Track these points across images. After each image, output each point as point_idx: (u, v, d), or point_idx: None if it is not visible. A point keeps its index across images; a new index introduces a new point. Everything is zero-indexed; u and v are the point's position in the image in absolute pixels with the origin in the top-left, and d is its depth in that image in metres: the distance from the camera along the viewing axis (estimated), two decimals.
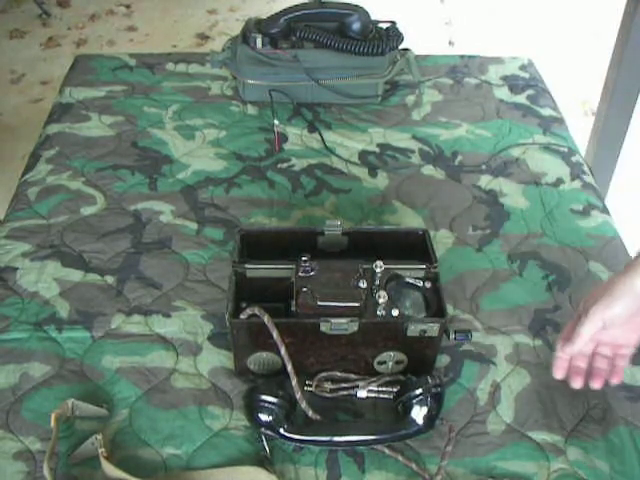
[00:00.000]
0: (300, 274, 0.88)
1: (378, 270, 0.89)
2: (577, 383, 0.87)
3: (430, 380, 0.86)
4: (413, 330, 0.87)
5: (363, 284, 0.87)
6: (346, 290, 0.87)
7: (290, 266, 0.90)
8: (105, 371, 0.94)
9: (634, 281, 0.82)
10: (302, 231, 1.02)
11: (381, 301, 0.87)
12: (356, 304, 0.86)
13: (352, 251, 0.97)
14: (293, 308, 0.88)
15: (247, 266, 0.93)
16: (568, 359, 0.88)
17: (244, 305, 0.89)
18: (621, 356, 0.88)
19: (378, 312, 0.87)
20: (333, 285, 0.87)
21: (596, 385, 0.87)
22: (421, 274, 0.93)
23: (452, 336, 0.90)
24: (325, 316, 0.86)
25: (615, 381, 0.88)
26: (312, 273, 0.88)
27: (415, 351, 0.90)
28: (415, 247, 0.96)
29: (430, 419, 0.85)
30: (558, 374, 0.88)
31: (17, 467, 0.82)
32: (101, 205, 1.19)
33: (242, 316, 0.86)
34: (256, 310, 0.85)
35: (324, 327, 0.86)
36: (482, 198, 1.23)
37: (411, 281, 0.92)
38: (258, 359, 0.90)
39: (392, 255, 0.92)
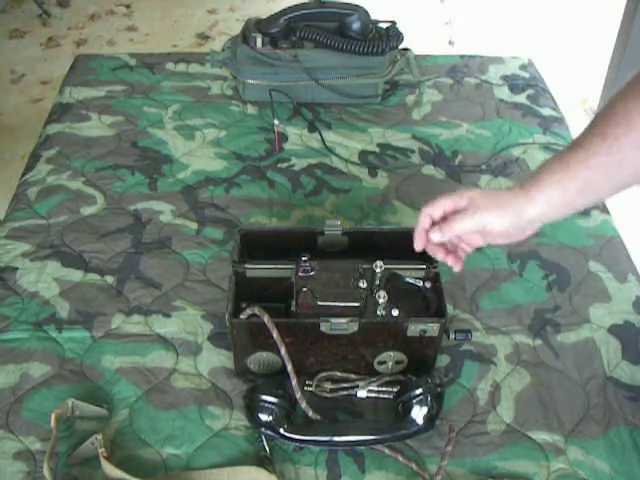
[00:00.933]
0: (300, 274, 0.88)
1: (378, 270, 0.89)
2: (438, 254, 0.87)
3: (430, 380, 0.86)
4: (413, 330, 0.87)
5: (363, 284, 0.87)
6: (346, 290, 0.87)
7: (290, 266, 0.90)
8: (105, 371, 0.94)
9: (531, 203, 0.79)
10: (302, 231, 1.02)
11: (381, 301, 0.87)
12: (356, 304, 0.86)
13: (352, 251, 0.97)
14: (293, 308, 0.88)
15: (247, 266, 0.93)
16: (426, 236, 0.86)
17: (244, 305, 0.89)
18: (463, 249, 0.88)
19: (378, 312, 0.87)
20: (333, 285, 0.87)
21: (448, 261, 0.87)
22: (421, 274, 0.93)
23: (452, 336, 0.90)
24: (325, 316, 0.86)
25: (458, 268, 0.87)
26: (312, 273, 0.88)
27: (415, 351, 0.90)
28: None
29: (430, 419, 0.85)
30: (419, 247, 0.86)
31: (17, 467, 0.83)
32: (101, 205, 1.19)
33: (242, 316, 0.86)
34: (256, 310, 0.85)
35: (324, 327, 0.86)
36: None
37: (411, 281, 0.92)
38: (258, 359, 0.90)
39: (392, 255, 0.92)
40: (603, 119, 0.78)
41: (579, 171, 0.77)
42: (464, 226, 0.82)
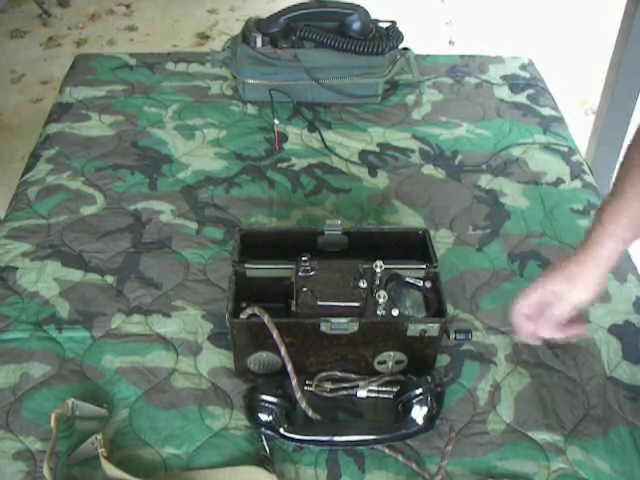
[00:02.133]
0: (300, 274, 0.88)
1: (378, 270, 0.89)
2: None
3: (430, 380, 0.86)
4: (413, 330, 0.87)
5: (363, 284, 0.87)
6: (346, 290, 0.87)
7: (290, 266, 0.90)
8: (105, 371, 0.93)
9: (603, 252, 0.86)
10: (302, 231, 1.02)
11: (381, 301, 0.87)
12: (356, 304, 0.86)
13: (352, 251, 0.97)
14: (293, 308, 0.88)
15: (247, 266, 0.93)
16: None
17: (244, 305, 0.89)
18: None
19: (378, 312, 0.87)
20: (333, 285, 0.87)
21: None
22: (421, 274, 0.93)
23: (452, 336, 0.90)
24: (325, 316, 0.86)
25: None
26: (312, 273, 0.88)
27: (415, 351, 0.90)
28: (415, 247, 0.96)
29: (430, 419, 0.84)
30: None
31: (17, 467, 0.82)
32: (101, 205, 1.19)
33: (242, 316, 0.86)
34: (256, 310, 0.85)
35: (324, 327, 0.86)
36: (482, 198, 1.23)
37: (411, 281, 0.92)
38: (258, 359, 0.90)
39: (392, 255, 0.92)
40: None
41: (632, 207, 0.83)
42: (559, 311, 0.86)
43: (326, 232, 0.97)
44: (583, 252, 0.85)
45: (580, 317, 0.89)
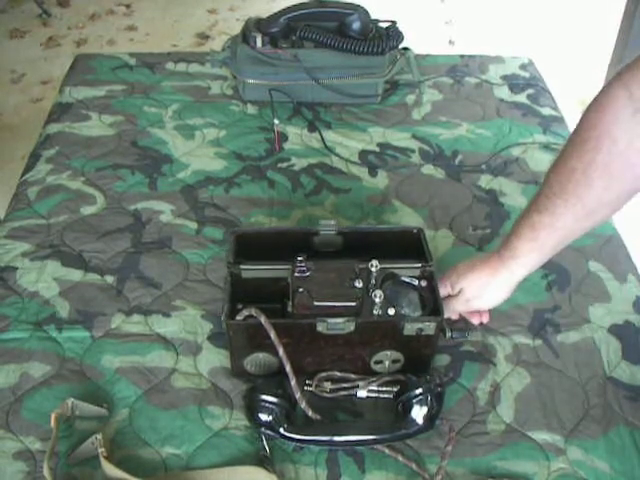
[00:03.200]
0: (296, 274, 0.88)
1: (374, 269, 0.89)
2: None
3: (430, 380, 0.86)
4: (410, 329, 0.87)
5: (359, 284, 0.87)
6: (342, 290, 0.87)
7: (286, 267, 0.90)
8: (105, 371, 0.93)
9: (508, 278, 0.90)
10: (297, 231, 1.02)
11: (377, 300, 0.87)
12: (352, 304, 0.86)
13: (348, 251, 0.97)
14: (289, 308, 0.88)
15: (242, 267, 0.93)
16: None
17: (240, 306, 0.88)
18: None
19: (374, 311, 0.87)
20: (329, 285, 0.87)
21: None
22: (417, 273, 0.93)
23: (449, 334, 0.90)
24: (322, 316, 0.86)
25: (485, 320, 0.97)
26: (308, 273, 0.88)
27: (412, 350, 0.90)
28: (410, 246, 0.96)
29: (430, 419, 0.85)
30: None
31: (17, 467, 0.82)
32: (101, 205, 1.19)
33: (238, 317, 0.86)
34: (253, 311, 0.85)
35: (321, 327, 0.86)
36: (482, 198, 1.23)
37: (407, 280, 0.92)
38: (255, 360, 0.90)
39: (387, 254, 0.92)
40: (561, 178, 0.80)
41: (549, 235, 0.84)
42: (460, 310, 0.96)
43: (321, 232, 0.97)
44: (503, 262, 0.89)
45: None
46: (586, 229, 0.84)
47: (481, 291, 0.92)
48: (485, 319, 0.97)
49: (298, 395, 0.85)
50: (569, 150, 0.80)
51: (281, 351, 0.85)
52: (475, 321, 0.97)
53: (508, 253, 0.88)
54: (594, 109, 0.78)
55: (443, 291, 0.94)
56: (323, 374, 0.92)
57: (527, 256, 0.87)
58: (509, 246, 0.88)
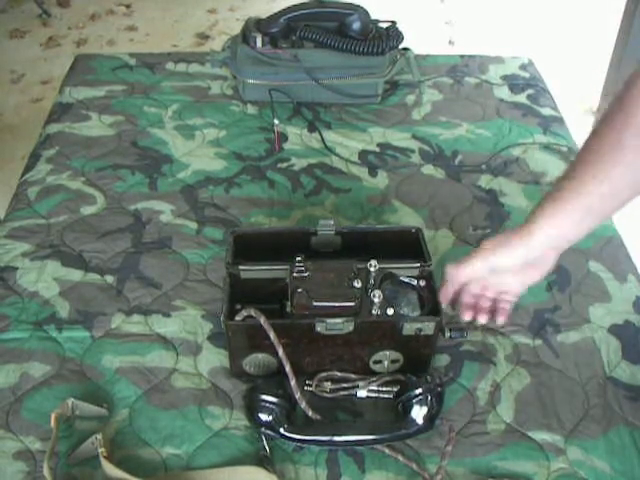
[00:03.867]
0: (295, 275, 0.88)
1: (372, 269, 0.89)
2: (465, 315, 0.90)
3: (430, 380, 0.86)
4: (409, 329, 0.87)
5: (358, 284, 0.87)
6: (341, 290, 0.87)
7: (284, 267, 0.90)
8: (105, 371, 0.93)
9: (532, 237, 0.83)
10: (295, 231, 1.02)
11: (376, 300, 0.87)
12: (351, 304, 0.86)
13: (346, 251, 0.97)
14: (288, 309, 0.88)
15: (241, 267, 0.93)
16: (452, 290, 0.89)
17: (239, 307, 0.88)
18: (505, 301, 0.90)
19: (373, 311, 0.87)
20: (328, 285, 0.87)
21: (481, 320, 0.90)
22: (415, 272, 0.93)
23: (448, 334, 0.90)
24: (320, 316, 0.86)
25: (500, 320, 0.90)
26: (307, 274, 0.88)
27: (411, 350, 0.90)
28: (409, 246, 0.96)
29: (430, 419, 0.85)
30: (443, 301, 0.90)
31: (17, 467, 0.82)
32: (101, 205, 1.19)
33: (237, 318, 0.86)
34: (252, 312, 0.85)
35: (320, 327, 0.86)
36: (482, 198, 1.23)
37: (406, 280, 0.92)
38: (254, 360, 0.90)
39: (386, 254, 0.92)
40: (593, 152, 0.79)
41: (574, 209, 0.80)
42: (474, 268, 0.86)
43: (319, 232, 0.97)
44: (526, 225, 0.83)
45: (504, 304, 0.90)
46: (606, 211, 0.82)
47: (497, 245, 0.84)
48: (503, 317, 0.90)
49: (298, 395, 0.85)
50: (605, 124, 0.79)
51: (280, 351, 0.85)
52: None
53: (529, 220, 0.83)
54: (617, 112, 0.78)
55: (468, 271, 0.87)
56: (323, 374, 0.92)
57: (545, 227, 0.82)
58: (533, 214, 0.84)
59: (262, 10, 1.80)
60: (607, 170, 0.77)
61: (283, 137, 1.36)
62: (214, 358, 0.95)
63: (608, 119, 0.78)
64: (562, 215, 0.81)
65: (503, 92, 1.50)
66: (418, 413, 0.84)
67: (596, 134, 0.79)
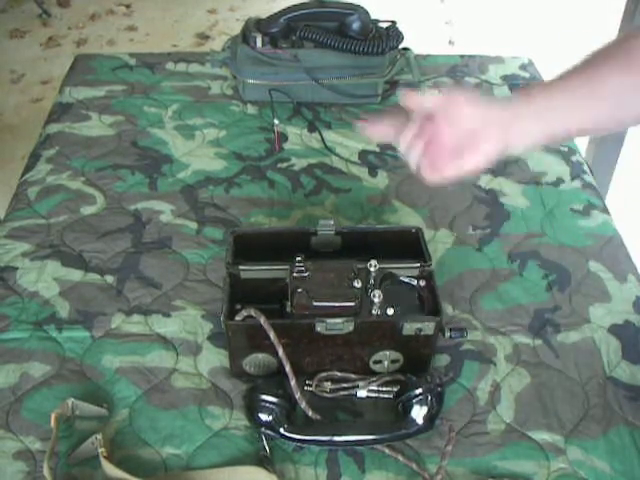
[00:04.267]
0: (295, 275, 0.88)
1: (372, 269, 0.89)
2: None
3: (430, 380, 0.86)
4: (409, 329, 0.87)
5: (358, 284, 0.87)
6: (341, 290, 0.87)
7: (284, 267, 0.90)
8: (105, 371, 0.93)
9: (544, 114, 0.77)
10: (295, 231, 1.02)
11: (376, 300, 0.87)
12: (351, 304, 0.86)
13: (346, 251, 0.97)
14: (288, 309, 0.88)
15: (241, 267, 0.93)
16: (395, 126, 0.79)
17: (239, 307, 0.88)
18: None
19: (373, 311, 0.87)
20: (328, 285, 0.87)
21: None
22: (415, 272, 0.93)
23: (447, 334, 0.90)
24: (320, 316, 0.86)
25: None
26: (307, 274, 0.88)
27: (411, 350, 0.90)
28: (409, 246, 0.96)
29: (430, 419, 0.85)
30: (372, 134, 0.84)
31: (17, 467, 0.82)
32: (101, 205, 1.19)
33: (237, 318, 0.86)
34: (252, 312, 0.85)
35: (320, 327, 0.86)
36: (482, 198, 1.23)
37: (406, 280, 0.92)
38: (254, 360, 0.90)
39: (386, 254, 0.92)
40: (602, 49, 0.81)
41: (584, 94, 0.78)
42: (433, 99, 0.77)
43: (319, 232, 0.97)
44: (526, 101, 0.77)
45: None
46: (615, 118, 0.78)
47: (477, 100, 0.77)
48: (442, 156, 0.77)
49: (298, 395, 0.85)
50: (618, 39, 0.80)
51: (280, 351, 0.85)
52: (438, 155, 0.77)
53: (524, 99, 0.77)
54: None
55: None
56: (323, 374, 0.92)
57: (543, 114, 0.76)
58: (522, 91, 0.78)
59: (262, 10, 1.80)
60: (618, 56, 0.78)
61: (283, 137, 1.35)
62: (214, 358, 0.95)
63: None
64: (571, 101, 0.77)
65: (503, 92, 1.50)
66: (418, 413, 0.84)
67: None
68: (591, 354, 0.97)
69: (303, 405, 0.85)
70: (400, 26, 1.44)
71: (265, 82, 1.40)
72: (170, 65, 1.55)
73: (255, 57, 1.38)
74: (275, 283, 0.92)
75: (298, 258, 0.89)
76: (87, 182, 1.24)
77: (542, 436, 0.88)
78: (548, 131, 0.78)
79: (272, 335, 0.84)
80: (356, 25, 1.38)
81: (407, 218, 1.18)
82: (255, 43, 1.38)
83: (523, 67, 1.58)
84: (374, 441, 0.85)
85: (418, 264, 0.93)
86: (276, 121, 1.37)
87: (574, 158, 1.32)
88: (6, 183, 1.62)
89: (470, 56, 1.61)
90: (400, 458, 0.84)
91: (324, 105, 1.43)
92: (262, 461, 0.82)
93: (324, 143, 1.34)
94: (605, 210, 1.21)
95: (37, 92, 2.72)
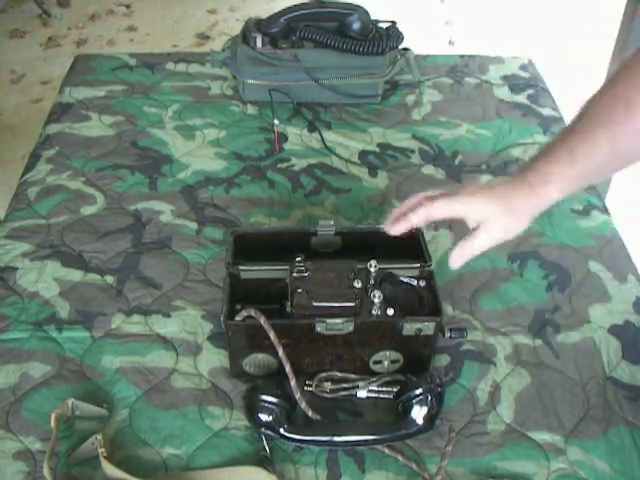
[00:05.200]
0: (295, 275, 0.88)
1: (372, 269, 0.89)
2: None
3: (430, 380, 0.86)
4: (409, 329, 0.87)
5: (358, 284, 0.87)
6: (341, 290, 0.87)
7: (284, 267, 0.90)
8: (105, 371, 0.94)
9: (542, 204, 0.81)
10: (295, 232, 1.02)
11: (376, 300, 0.87)
12: (351, 304, 0.86)
13: (346, 251, 0.97)
14: (288, 309, 0.88)
15: (241, 268, 0.93)
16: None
17: (239, 307, 0.88)
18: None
19: (373, 312, 0.87)
20: (328, 285, 0.87)
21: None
22: (415, 273, 0.93)
23: (447, 334, 0.90)
24: (320, 316, 0.86)
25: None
26: (307, 274, 0.88)
27: (411, 350, 0.90)
28: (409, 246, 0.96)
29: (430, 419, 0.85)
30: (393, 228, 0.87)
31: (17, 467, 0.82)
32: (101, 205, 1.19)
33: (237, 318, 0.86)
34: (252, 312, 0.85)
35: (320, 327, 0.86)
36: None
37: (405, 280, 0.92)
38: (254, 360, 0.90)
39: (386, 254, 0.92)
40: (605, 104, 0.78)
41: (586, 165, 0.78)
42: (453, 209, 0.85)
43: (319, 232, 0.97)
44: (529, 188, 0.81)
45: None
46: (616, 170, 0.81)
47: (499, 217, 0.82)
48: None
49: (298, 395, 0.85)
50: (616, 78, 0.78)
51: (280, 351, 0.85)
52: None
53: (540, 178, 0.80)
54: None
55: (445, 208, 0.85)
56: (323, 374, 0.92)
57: (563, 181, 0.80)
58: (540, 170, 0.81)
59: (262, 10, 1.80)
60: (620, 121, 0.76)
61: (283, 137, 1.36)
62: (214, 358, 0.95)
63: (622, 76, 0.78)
64: (576, 178, 0.79)
65: (503, 92, 1.50)
66: (418, 413, 0.84)
67: (610, 86, 0.79)
68: (591, 354, 0.97)
69: (303, 405, 0.85)
70: (400, 26, 1.44)
71: (265, 82, 1.40)
72: (170, 65, 1.55)
73: (255, 57, 1.38)
74: (275, 283, 0.92)
75: (298, 258, 0.89)
76: (87, 182, 1.24)
77: (542, 436, 0.88)
78: (561, 197, 0.82)
79: (272, 335, 0.84)
80: (356, 25, 1.38)
81: None
82: (255, 43, 1.38)
83: (523, 67, 1.58)
84: (374, 441, 0.85)
85: (418, 264, 0.93)
86: (276, 121, 1.37)
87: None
88: (6, 183, 1.62)
89: (470, 56, 1.62)
90: (400, 458, 0.84)
91: (324, 105, 1.43)
92: (262, 461, 0.83)
93: (324, 143, 1.34)
94: (605, 210, 1.21)
95: (37, 92, 2.72)
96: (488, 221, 0.83)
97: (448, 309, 1.02)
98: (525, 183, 0.81)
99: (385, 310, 0.87)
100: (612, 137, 0.76)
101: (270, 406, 0.83)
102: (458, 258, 0.85)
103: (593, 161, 0.78)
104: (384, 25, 1.44)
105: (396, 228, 0.86)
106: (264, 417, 0.83)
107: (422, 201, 0.87)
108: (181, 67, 1.55)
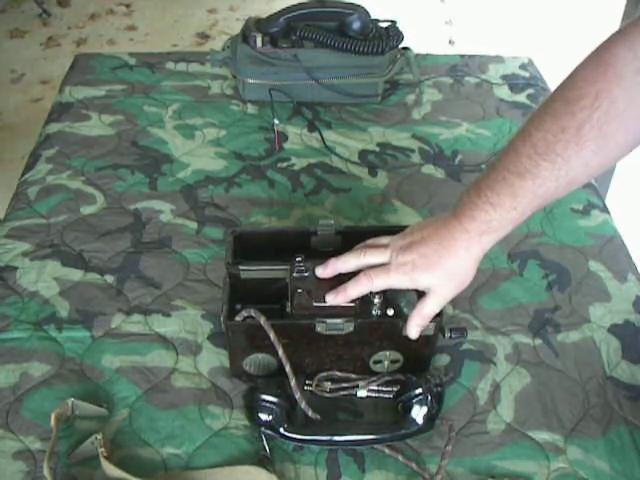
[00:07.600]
0: (295, 275, 0.88)
1: None
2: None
3: (430, 379, 0.86)
4: None
5: None
6: None
7: (284, 267, 0.90)
8: (105, 370, 0.93)
9: (479, 254, 0.79)
10: (295, 231, 1.02)
11: (376, 301, 0.87)
12: (351, 304, 0.86)
13: (346, 250, 0.97)
14: (288, 309, 0.88)
15: (241, 267, 0.93)
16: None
17: (239, 307, 0.88)
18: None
19: (373, 312, 0.87)
20: (328, 285, 0.87)
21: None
22: None
23: (448, 334, 0.90)
24: (321, 317, 0.86)
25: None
26: (307, 274, 0.88)
27: (411, 350, 0.90)
28: None
29: (430, 419, 0.84)
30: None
31: (17, 467, 0.82)
32: (101, 204, 1.19)
33: (237, 318, 0.86)
34: (252, 312, 0.85)
35: (320, 328, 0.86)
36: None
37: None
38: (254, 360, 0.90)
39: None
40: (549, 137, 0.72)
41: (530, 203, 0.75)
42: (389, 282, 0.84)
43: (319, 232, 0.97)
44: (469, 239, 0.79)
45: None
46: (556, 199, 0.77)
47: (445, 282, 0.82)
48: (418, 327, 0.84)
49: (298, 395, 0.85)
50: (560, 107, 0.72)
51: (280, 351, 0.85)
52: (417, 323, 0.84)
53: (483, 227, 0.77)
54: (594, 64, 0.73)
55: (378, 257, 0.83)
56: (323, 374, 0.92)
57: (505, 228, 0.77)
58: (481, 218, 0.77)
59: (262, 10, 1.80)
60: (568, 157, 0.71)
61: (283, 137, 1.36)
62: (214, 358, 0.95)
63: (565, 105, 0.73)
64: (518, 220, 0.76)
65: (503, 92, 1.50)
66: (418, 413, 0.84)
67: (553, 116, 0.73)
68: (591, 354, 0.97)
69: (303, 405, 0.85)
70: (400, 26, 1.44)
71: (265, 82, 1.40)
72: (170, 65, 1.55)
73: (255, 57, 1.38)
74: (275, 283, 0.92)
75: (298, 258, 0.89)
76: (87, 182, 1.24)
77: (542, 436, 0.88)
78: (503, 236, 0.79)
79: (272, 335, 0.84)
80: (356, 25, 1.38)
81: (407, 218, 1.18)
82: (255, 43, 1.38)
83: (523, 67, 1.58)
84: (374, 441, 0.85)
85: None
86: (276, 121, 1.37)
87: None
88: (6, 183, 1.62)
89: (470, 56, 1.62)
90: (400, 458, 0.84)
91: (324, 105, 1.43)
92: (262, 461, 0.82)
93: (324, 143, 1.34)
94: (605, 210, 1.21)
95: (37, 92, 2.73)
96: (434, 287, 0.83)
97: (448, 309, 1.02)
98: (463, 238, 0.79)
99: (385, 310, 0.87)
100: (559, 171, 0.72)
101: (270, 406, 0.83)
102: (414, 329, 0.85)
103: (537, 198, 0.75)
104: (384, 24, 1.44)
105: (332, 295, 0.85)
106: (264, 417, 0.83)
107: (363, 271, 0.85)
108: (181, 66, 1.55)
